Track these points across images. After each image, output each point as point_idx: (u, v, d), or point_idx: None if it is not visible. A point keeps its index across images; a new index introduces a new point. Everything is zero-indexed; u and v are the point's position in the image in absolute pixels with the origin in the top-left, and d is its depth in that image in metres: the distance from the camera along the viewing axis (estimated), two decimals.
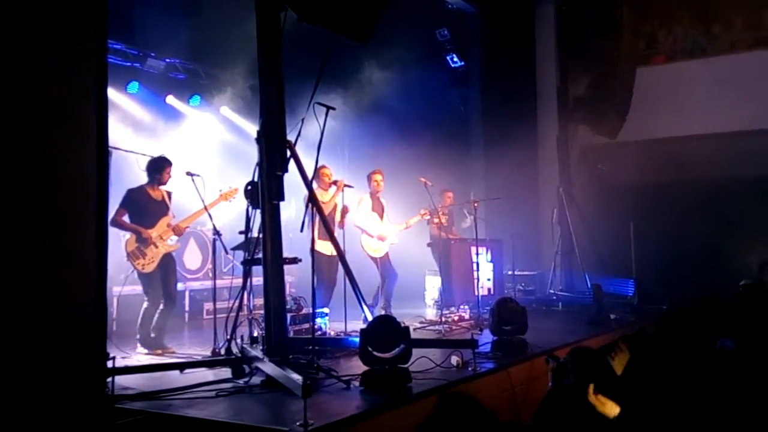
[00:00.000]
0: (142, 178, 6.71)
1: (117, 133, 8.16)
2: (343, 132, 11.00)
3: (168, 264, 6.59)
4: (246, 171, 5.74)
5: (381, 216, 8.43)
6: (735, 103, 10.00)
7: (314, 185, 7.48)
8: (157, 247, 6.45)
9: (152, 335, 6.40)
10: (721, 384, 2.92)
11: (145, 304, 6.48)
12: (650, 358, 3.33)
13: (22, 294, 4.00)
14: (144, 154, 8.19)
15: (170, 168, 6.66)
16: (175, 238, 6.72)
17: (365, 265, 8.23)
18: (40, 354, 4.08)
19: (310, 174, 5.89)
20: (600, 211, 10.41)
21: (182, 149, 9.43)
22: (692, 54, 11.31)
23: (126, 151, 7.45)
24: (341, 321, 6.77)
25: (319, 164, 7.73)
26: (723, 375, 2.93)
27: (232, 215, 7.81)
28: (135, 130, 8.94)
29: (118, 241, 6.77)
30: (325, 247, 7.35)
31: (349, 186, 7.69)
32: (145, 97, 9.30)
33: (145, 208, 6.52)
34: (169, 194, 6.79)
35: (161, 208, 6.61)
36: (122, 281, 7.30)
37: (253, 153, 5.59)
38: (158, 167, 6.58)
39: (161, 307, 6.48)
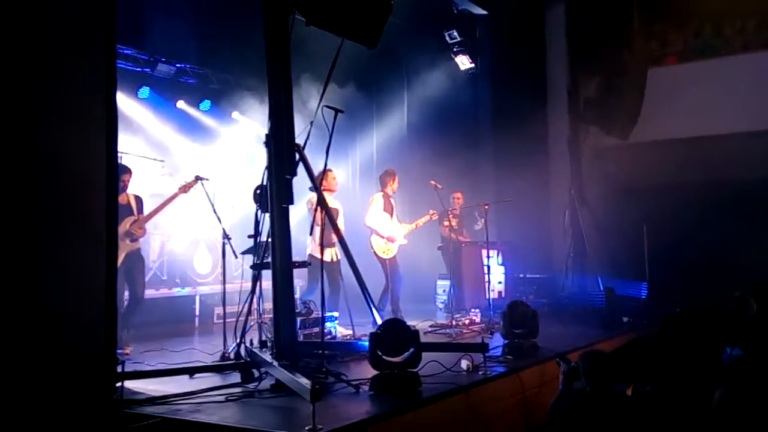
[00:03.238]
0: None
1: (127, 137, 8.17)
2: (352, 134, 10.99)
3: (134, 264, 6.80)
4: (256, 174, 5.73)
5: (391, 216, 8.39)
6: (749, 103, 9.89)
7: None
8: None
9: (126, 332, 6.56)
10: (725, 387, 2.87)
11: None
12: (654, 360, 3.29)
13: (30, 298, 4.01)
14: (155, 159, 8.27)
15: (127, 175, 6.85)
16: (139, 239, 6.91)
17: (370, 267, 8.19)
18: (49, 359, 4.09)
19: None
20: (613, 212, 10.31)
21: (197, 154, 9.48)
22: (704, 54, 11.19)
23: (136, 155, 7.51)
24: (351, 324, 6.76)
25: (325, 168, 7.78)
26: (728, 379, 2.89)
27: (242, 218, 7.84)
28: (145, 134, 8.98)
29: None
30: (325, 254, 7.31)
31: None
32: (156, 103, 9.32)
33: None
34: (137, 198, 6.98)
35: (124, 211, 6.74)
36: None
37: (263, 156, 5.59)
38: None
39: (125, 304, 6.65)
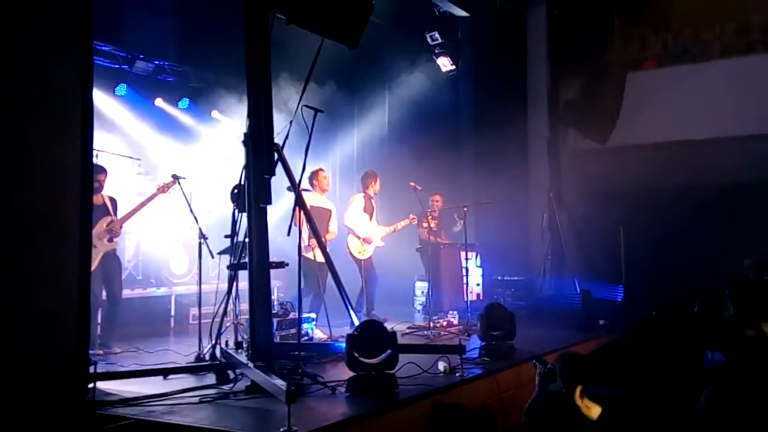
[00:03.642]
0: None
1: (103, 135, 8.07)
2: (332, 134, 10.94)
3: (111, 265, 6.75)
4: (234, 173, 5.68)
5: (370, 217, 8.39)
6: (727, 109, 9.98)
7: (311, 188, 7.54)
8: (95, 246, 6.49)
9: (98, 333, 6.51)
10: (711, 389, 2.89)
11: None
12: (628, 365, 3.30)
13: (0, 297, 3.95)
14: (131, 157, 8.18)
15: (101, 176, 6.78)
16: (115, 239, 6.85)
17: (348, 268, 8.20)
18: (19, 359, 4.02)
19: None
20: (590, 215, 10.38)
21: (174, 152, 9.37)
22: (683, 59, 11.31)
23: (112, 153, 7.44)
24: (329, 326, 6.73)
25: (316, 167, 7.80)
26: (713, 382, 2.90)
27: (219, 218, 7.78)
28: (122, 132, 8.87)
29: None
30: (318, 255, 7.28)
31: (307, 190, 7.66)
32: (134, 100, 9.20)
33: None
34: (112, 200, 6.93)
35: (100, 211, 6.70)
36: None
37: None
38: None
39: (106, 306, 6.61)
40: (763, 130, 9.67)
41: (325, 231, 7.65)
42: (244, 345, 5.49)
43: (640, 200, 9.94)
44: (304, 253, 7.09)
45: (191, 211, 6.55)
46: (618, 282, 9.05)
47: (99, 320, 6.58)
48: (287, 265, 6.50)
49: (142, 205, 6.82)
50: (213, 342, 5.63)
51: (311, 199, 7.55)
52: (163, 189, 6.82)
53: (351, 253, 8.18)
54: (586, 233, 10.24)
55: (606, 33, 10.51)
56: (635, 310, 8.48)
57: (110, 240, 6.74)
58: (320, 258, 7.23)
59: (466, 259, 8.68)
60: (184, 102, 9.84)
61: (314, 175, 7.72)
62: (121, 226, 6.87)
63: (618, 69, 10.74)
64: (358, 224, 8.19)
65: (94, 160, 5.67)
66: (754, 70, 10.24)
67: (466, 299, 8.30)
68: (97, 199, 6.70)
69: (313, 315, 6.87)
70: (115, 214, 6.87)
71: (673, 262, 9.78)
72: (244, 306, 6.05)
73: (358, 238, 8.19)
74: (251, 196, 5.31)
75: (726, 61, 10.76)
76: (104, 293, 6.66)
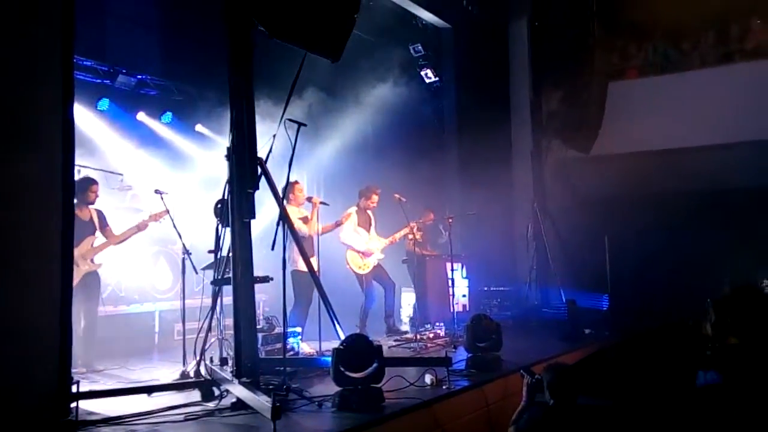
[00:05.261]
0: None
1: (85, 150, 7.99)
2: (315, 146, 10.91)
3: (91, 285, 6.65)
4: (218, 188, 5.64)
5: (368, 230, 8.38)
6: (707, 117, 10.10)
7: (286, 202, 7.48)
8: (78, 266, 6.38)
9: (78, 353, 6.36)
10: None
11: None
12: (613, 378, 3.31)
13: None
14: (113, 172, 8.12)
15: (96, 187, 6.75)
16: (98, 258, 6.78)
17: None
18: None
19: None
20: (575, 225, 10.43)
21: (157, 167, 9.30)
22: (663, 69, 11.45)
23: (94, 168, 7.38)
24: (320, 340, 6.69)
25: (292, 180, 7.75)
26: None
27: (203, 233, 7.72)
28: (104, 147, 8.79)
29: None
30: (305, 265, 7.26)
31: (325, 203, 7.67)
32: (116, 115, 9.12)
33: None
34: (99, 213, 6.85)
35: (87, 228, 6.64)
36: None
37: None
38: (82, 187, 6.61)
39: (82, 324, 6.47)
40: (745, 137, 9.80)
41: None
42: (229, 361, 5.44)
43: (623, 209, 10.02)
44: (295, 266, 7.09)
45: (174, 226, 6.50)
46: (603, 291, 9.09)
47: (81, 336, 6.48)
48: (271, 279, 6.46)
49: (131, 232, 6.84)
50: (198, 358, 5.56)
51: (290, 212, 7.50)
52: (155, 217, 6.83)
53: (351, 269, 8.17)
54: (571, 243, 10.28)
55: (587, 43, 10.60)
56: (621, 319, 8.52)
57: (94, 260, 6.66)
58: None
59: (452, 270, 8.68)
60: (167, 116, 9.76)
61: (290, 188, 7.64)
62: (102, 250, 6.79)
63: (599, 79, 10.84)
64: (355, 239, 8.18)
65: (76, 176, 5.61)
66: (733, 78, 10.39)
67: (452, 310, 8.29)
68: (84, 214, 6.62)
69: (299, 329, 6.82)
70: (103, 227, 6.78)
71: (657, 270, 9.84)
72: (229, 321, 6.00)
73: (357, 252, 8.18)
74: (235, 210, 5.28)
75: (705, 70, 10.91)
76: (82, 312, 6.52)
